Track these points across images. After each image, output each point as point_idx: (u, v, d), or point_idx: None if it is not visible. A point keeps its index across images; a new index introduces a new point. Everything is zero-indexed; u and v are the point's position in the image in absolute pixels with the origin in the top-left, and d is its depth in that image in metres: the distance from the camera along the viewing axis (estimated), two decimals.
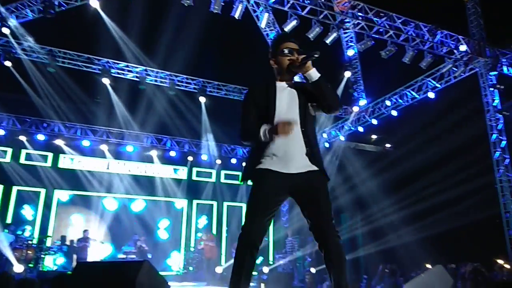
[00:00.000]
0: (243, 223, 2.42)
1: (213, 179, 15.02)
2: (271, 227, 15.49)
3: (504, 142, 9.50)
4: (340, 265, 2.33)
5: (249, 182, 2.54)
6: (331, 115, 11.73)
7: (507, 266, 8.47)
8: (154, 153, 13.67)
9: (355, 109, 12.85)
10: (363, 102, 12.75)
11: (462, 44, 9.81)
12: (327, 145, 13.98)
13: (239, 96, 12.46)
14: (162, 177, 14.11)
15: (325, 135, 14.02)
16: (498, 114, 9.59)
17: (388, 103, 12.12)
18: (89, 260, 10.34)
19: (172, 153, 14.00)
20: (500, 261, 8.43)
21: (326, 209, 2.36)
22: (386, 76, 11.88)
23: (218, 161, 14.66)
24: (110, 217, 12.96)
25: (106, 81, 11.02)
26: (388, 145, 14.17)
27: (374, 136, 14.64)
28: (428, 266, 8.44)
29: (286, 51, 2.50)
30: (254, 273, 13.60)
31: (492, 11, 10.52)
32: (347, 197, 13.53)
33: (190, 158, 14.24)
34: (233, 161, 15.13)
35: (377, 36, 9.40)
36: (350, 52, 11.78)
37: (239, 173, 15.49)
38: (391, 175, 12.00)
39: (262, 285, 9.86)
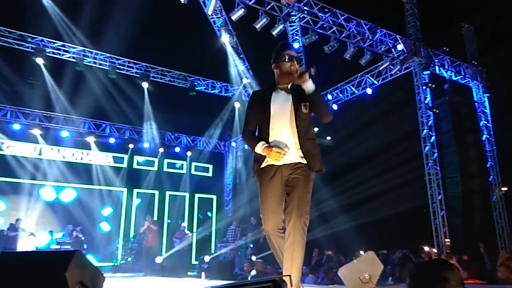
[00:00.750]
0: (262, 218, 2.75)
1: (155, 167, 14.68)
2: (213, 216, 15.51)
3: (433, 138, 10.20)
4: (294, 251, 2.58)
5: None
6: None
7: (435, 250, 9.18)
8: (91, 139, 13.07)
9: None
10: None
11: (399, 43, 10.34)
12: None
13: (184, 83, 12.22)
14: (100, 165, 13.55)
15: None
16: (429, 111, 10.27)
17: (329, 97, 12.53)
18: (16, 251, 9.70)
19: (112, 140, 13.47)
20: (426, 248, 9.10)
21: (299, 197, 2.64)
22: (329, 71, 12.24)
23: (161, 150, 14.34)
24: (43, 206, 12.25)
25: (40, 61, 10.33)
26: (328, 138, 14.67)
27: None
28: (362, 252, 8.90)
29: (286, 58, 2.82)
30: (195, 262, 13.61)
31: (428, 14, 11.18)
32: None
33: (131, 146, 13.78)
34: (177, 149, 14.88)
35: (321, 31, 9.63)
36: (296, 45, 11.96)
37: (183, 162, 15.29)
38: (330, 166, 12.46)
39: (203, 273, 9.86)
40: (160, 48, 12.17)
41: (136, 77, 11.60)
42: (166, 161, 14.93)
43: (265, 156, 2.71)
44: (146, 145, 13.94)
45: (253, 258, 10.40)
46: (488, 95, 11.60)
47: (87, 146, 13.22)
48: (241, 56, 11.81)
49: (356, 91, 11.94)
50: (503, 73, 11.45)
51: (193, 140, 15.30)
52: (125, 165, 14.10)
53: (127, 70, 11.51)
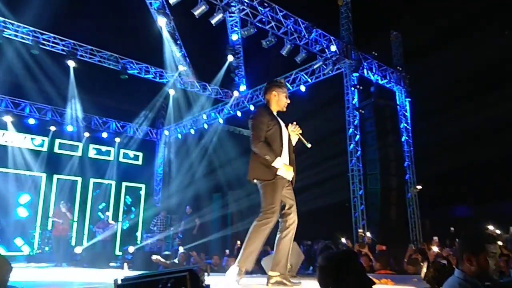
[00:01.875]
0: (269, 213, 3.55)
1: (79, 153, 13.86)
2: (141, 206, 15.08)
3: (358, 136, 10.81)
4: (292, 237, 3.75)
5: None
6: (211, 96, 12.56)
7: (369, 235, 9.73)
8: (8, 119, 12.05)
9: (235, 93, 13.15)
10: (243, 87, 13.12)
11: (332, 44, 10.75)
12: (206, 126, 14.05)
13: (115, 65, 11.61)
14: (17, 147, 12.50)
15: (204, 117, 14.07)
16: (355, 111, 10.84)
17: None
18: None
19: (31, 121, 12.48)
20: (343, 239, 9.65)
21: (295, 202, 3.79)
22: (266, 65, 12.39)
23: (86, 134, 13.57)
24: None
25: None
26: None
27: None
28: None
29: (287, 95, 3.94)
30: (119, 253, 13.13)
31: (361, 18, 11.74)
32: (219, 178, 13.91)
33: (52, 128, 12.86)
34: (104, 135, 14.16)
35: (259, 25, 9.68)
36: (234, 37, 11.95)
37: (111, 148, 14.61)
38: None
39: (125, 264, 9.54)
40: (91, 25, 11.40)
41: (61, 55, 10.80)
42: (91, 146, 14.17)
43: (276, 168, 3.53)
44: (69, 128, 13.10)
45: (181, 248, 10.28)
46: (409, 99, 12.51)
47: (3, 126, 12.15)
48: (178, 42, 11.51)
49: (291, 88, 12.22)
50: (424, 79, 12.42)
51: (122, 126, 14.68)
52: (45, 148, 13.15)
53: (52, 47, 10.67)
